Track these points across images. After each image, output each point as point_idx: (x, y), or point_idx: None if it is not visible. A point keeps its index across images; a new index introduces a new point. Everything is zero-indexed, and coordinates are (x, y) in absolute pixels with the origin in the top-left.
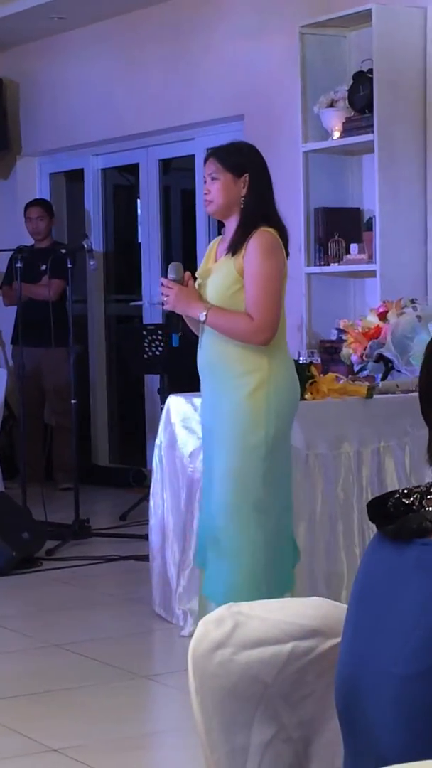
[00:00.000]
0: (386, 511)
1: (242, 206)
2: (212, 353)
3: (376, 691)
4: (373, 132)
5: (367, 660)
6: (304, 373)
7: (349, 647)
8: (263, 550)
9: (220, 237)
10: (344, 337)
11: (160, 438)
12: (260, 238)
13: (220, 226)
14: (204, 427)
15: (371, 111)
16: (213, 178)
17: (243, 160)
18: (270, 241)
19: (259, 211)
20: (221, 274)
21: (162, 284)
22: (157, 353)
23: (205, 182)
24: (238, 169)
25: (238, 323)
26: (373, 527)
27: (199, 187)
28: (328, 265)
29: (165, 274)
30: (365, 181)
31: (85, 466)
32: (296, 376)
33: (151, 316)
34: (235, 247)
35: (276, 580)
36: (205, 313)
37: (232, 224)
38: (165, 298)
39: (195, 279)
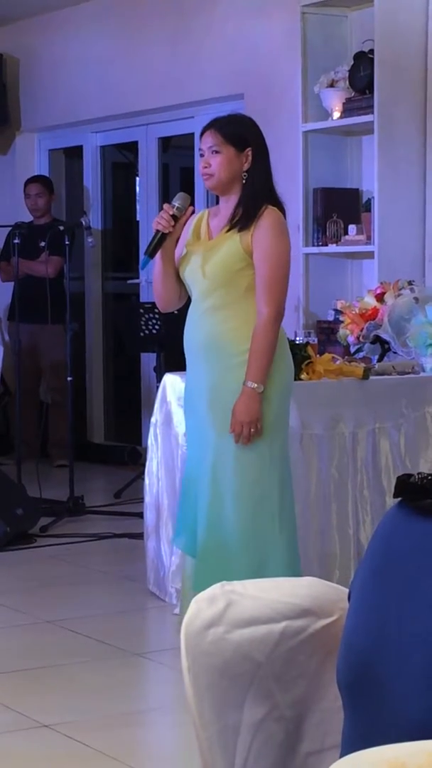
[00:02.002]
0: (416, 487)
1: (244, 181)
2: (209, 334)
3: (401, 661)
4: (373, 113)
5: (390, 630)
6: (300, 353)
7: (364, 618)
8: (274, 540)
9: (206, 210)
10: (341, 318)
11: (156, 416)
12: (272, 218)
13: (218, 203)
14: (193, 410)
15: (372, 91)
16: (214, 152)
17: (246, 134)
18: (281, 221)
19: (264, 187)
20: (225, 251)
21: (164, 207)
22: (154, 331)
23: (202, 155)
24: (241, 142)
25: (262, 343)
26: (368, 508)
27: (198, 165)
28: (326, 245)
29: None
30: (364, 162)
31: (81, 444)
32: (290, 353)
33: (148, 295)
34: (242, 224)
35: (287, 567)
36: (254, 384)
37: (230, 199)
38: (158, 220)
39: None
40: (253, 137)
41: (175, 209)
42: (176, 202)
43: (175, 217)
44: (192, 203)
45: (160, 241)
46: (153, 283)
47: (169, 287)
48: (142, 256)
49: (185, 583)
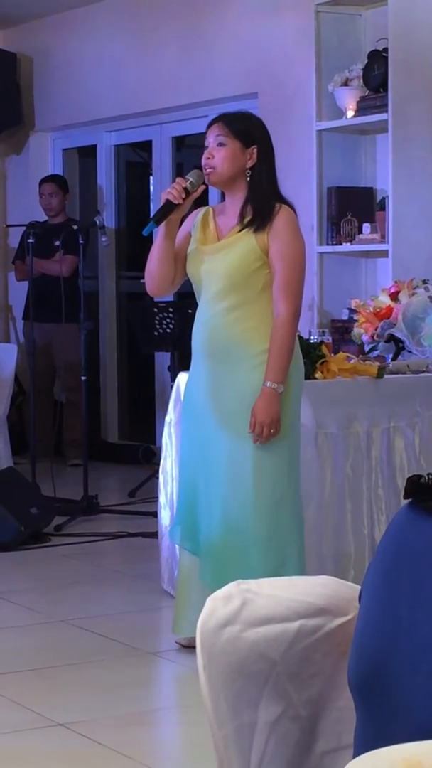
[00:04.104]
0: (426, 488)
1: (249, 179)
2: (225, 335)
3: (412, 661)
4: (387, 111)
5: (401, 631)
6: (314, 352)
7: (375, 619)
8: (291, 540)
9: (209, 208)
10: (355, 317)
11: (170, 415)
12: (287, 218)
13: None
14: (196, 410)
15: (386, 90)
16: (219, 144)
17: (253, 131)
18: (295, 220)
19: (273, 186)
20: (241, 250)
21: (176, 180)
22: (168, 330)
23: (207, 147)
24: (248, 139)
25: (281, 343)
26: (383, 507)
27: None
28: (341, 244)
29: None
30: (379, 161)
31: (95, 443)
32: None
33: None
34: (257, 224)
35: (300, 567)
36: (274, 385)
37: (236, 197)
38: (170, 190)
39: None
40: (259, 136)
41: (188, 183)
42: (190, 177)
43: (186, 191)
44: (205, 183)
45: (168, 210)
46: (148, 262)
47: (164, 266)
48: (151, 223)
49: (183, 580)
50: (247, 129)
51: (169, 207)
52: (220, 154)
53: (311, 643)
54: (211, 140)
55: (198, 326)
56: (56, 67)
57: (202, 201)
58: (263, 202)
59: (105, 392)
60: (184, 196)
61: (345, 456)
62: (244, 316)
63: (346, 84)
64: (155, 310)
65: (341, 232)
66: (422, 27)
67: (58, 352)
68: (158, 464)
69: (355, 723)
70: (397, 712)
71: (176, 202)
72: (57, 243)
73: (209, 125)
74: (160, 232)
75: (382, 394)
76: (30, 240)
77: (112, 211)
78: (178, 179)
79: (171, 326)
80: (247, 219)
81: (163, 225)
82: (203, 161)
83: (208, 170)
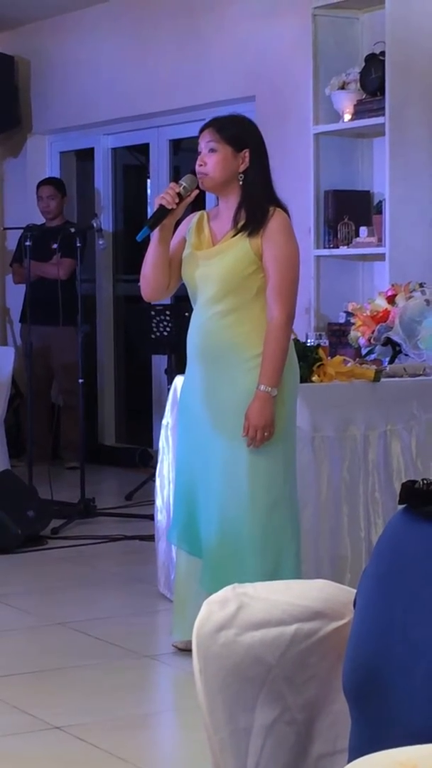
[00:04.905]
0: (421, 493)
1: (242, 183)
2: (220, 339)
3: (407, 667)
4: (384, 115)
5: (395, 636)
6: (311, 355)
7: (370, 624)
8: (287, 544)
9: (204, 212)
10: (352, 320)
11: (167, 418)
12: (280, 221)
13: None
14: (192, 414)
15: (383, 94)
16: (211, 149)
17: (244, 135)
18: (289, 224)
19: (266, 189)
20: (235, 254)
21: (170, 185)
22: (165, 334)
23: (199, 152)
24: (239, 143)
25: (275, 346)
26: (380, 510)
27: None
28: (338, 247)
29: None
30: (376, 164)
31: (92, 446)
32: (296, 355)
33: None
34: (251, 228)
35: (296, 571)
36: (268, 388)
37: (230, 200)
38: (164, 195)
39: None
40: (251, 139)
41: (181, 188)
42: (183, 182)
43: (180, 196)
44: (197, 186)
45: (161, 215)
46: (143, 267)
47: (159, 271)
48: (145, 228)
49: (180, 583)
50: (238, 133)
51: (162, 212)
52: (212, 160)
53: (307, 647)
54: (202, 146)
55: (193, 330)
56: (54, 69)
57: (199, 205)
58: (256, 205)
59: (102, 395)
60: (177, 201)
61: (342, 459)
62: (239, 320)
63: (343, 87)
64: (152, 313)
65: (338, 236)
66: (419, 30)
67: (55, 355)
68: (155, 467)
69: (350, 727)
70: (392, 717)
71: (169, 207)
72: (54, 246)
73: (201, 131)
74: (154, 237)
75: (379, 397)
76: (27, 243)
77: (109, 214)
78: (171, 184)
79: (168, 329)
80: (241, 223)
81: (157, 230)
82: (196, 167)
83: (201, 176)
